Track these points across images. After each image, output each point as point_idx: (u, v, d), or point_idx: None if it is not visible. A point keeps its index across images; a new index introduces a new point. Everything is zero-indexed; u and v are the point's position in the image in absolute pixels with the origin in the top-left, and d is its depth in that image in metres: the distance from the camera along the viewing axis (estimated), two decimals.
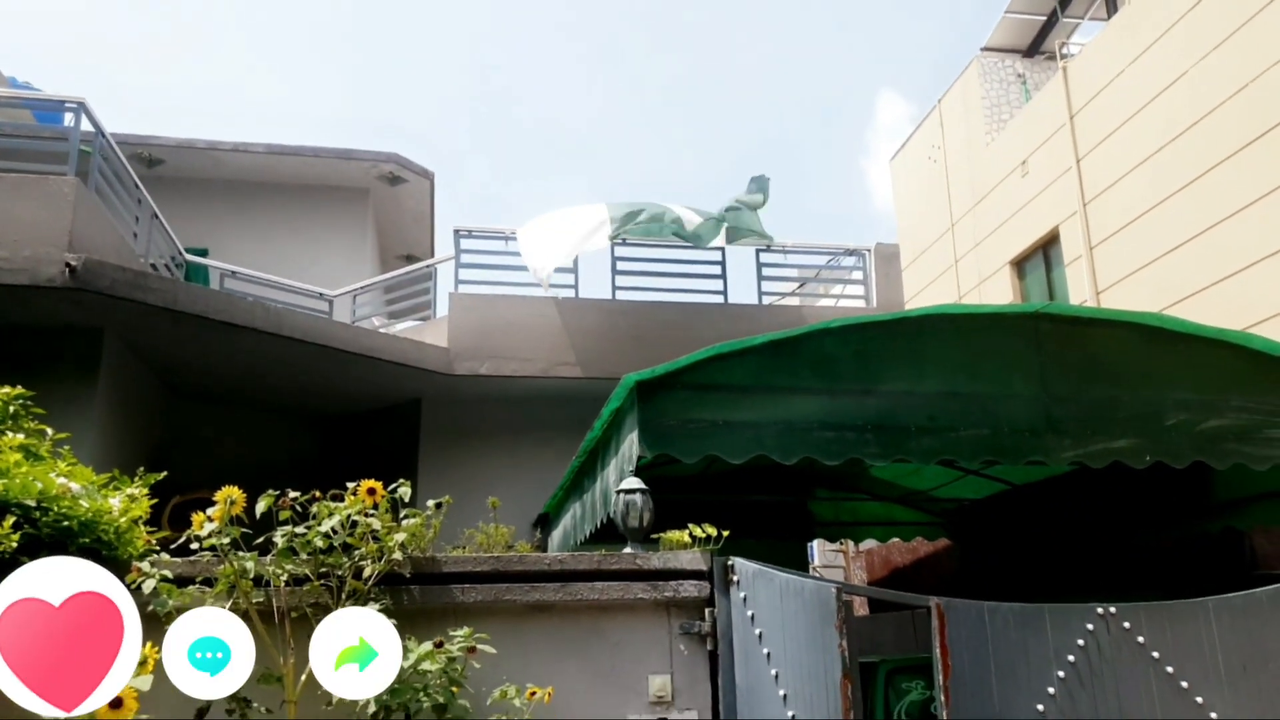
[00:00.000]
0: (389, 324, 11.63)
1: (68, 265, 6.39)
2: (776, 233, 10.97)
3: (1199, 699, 3.90)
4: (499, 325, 9.73)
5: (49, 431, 3.88)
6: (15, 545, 3.12)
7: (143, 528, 3.67)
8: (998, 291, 15.05)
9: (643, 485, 4.34)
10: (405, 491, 3.68)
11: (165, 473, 4.04)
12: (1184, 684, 3.92)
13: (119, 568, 3.51)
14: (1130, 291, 11.76)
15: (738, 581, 3.96)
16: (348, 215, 14.64)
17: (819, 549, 14.68)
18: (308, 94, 51.75)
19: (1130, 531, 7.76)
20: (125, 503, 3.53)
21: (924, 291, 16.75)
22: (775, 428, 4.64)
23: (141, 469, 3.99)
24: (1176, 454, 4.91)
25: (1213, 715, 3.90)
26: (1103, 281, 12.50)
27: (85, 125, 7.35)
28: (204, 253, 11.88)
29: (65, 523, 3.31)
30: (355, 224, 14.67)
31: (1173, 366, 5.06)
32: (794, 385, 4.75)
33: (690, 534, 4.17)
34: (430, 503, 3.75)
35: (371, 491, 3.55)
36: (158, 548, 3.80)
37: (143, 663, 2.95)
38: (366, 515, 3.59)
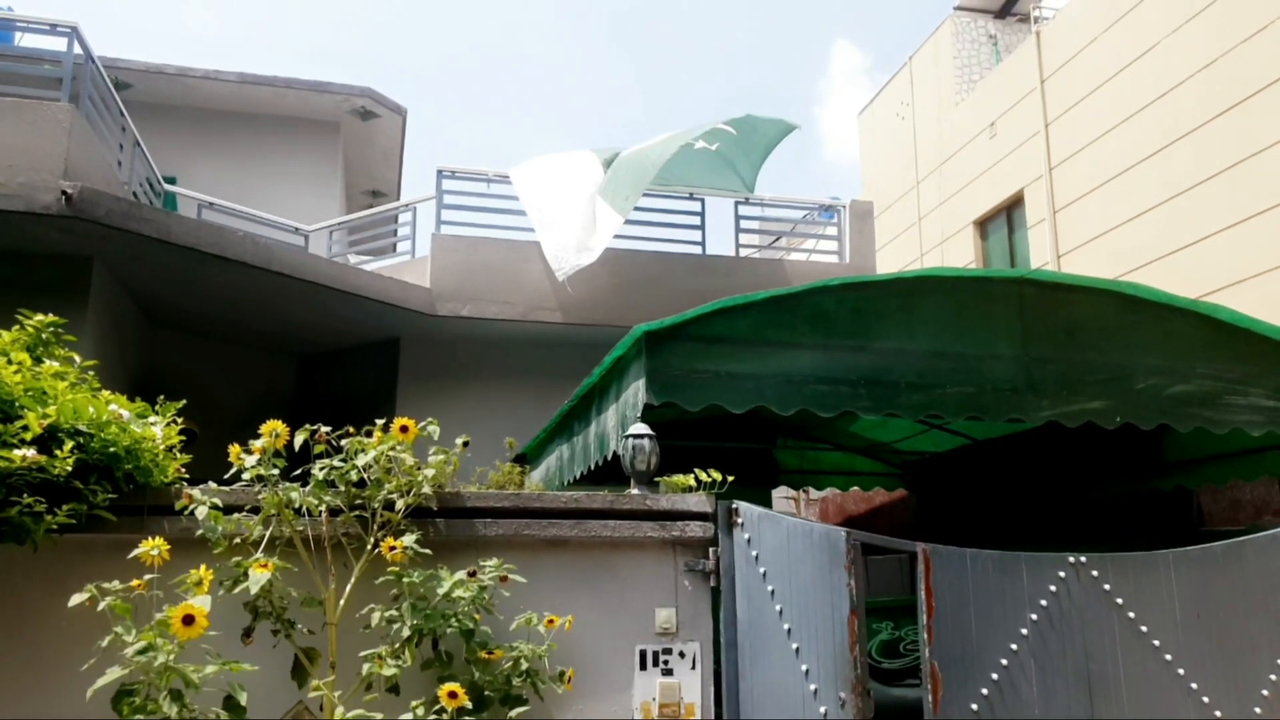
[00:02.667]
0: (365, 262, 11.61)
1: (64, 193, 6.32)
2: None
3: (1156, 642, 4.26)
4: (481, 267, 9.79)
5: (77, 359, 3.95)
6: (70, 469, 3.22)
7: (178, 455, 3.78)
8: (960, 251, 15.45)
9: (650, 430, 4.54)
10: (434, 429, 3.83)
11: (184, 401, 4.12)
12: (1144, 628, 4.26)
13: (159, 494, 3.65)
14: (1091, 256, 12.20)
15: (741, 524, 4.21)
16: (318, 149, 14.43)
17: (773, 497, 15.14)
18: (276, 25, 49.99)
19: (1084, 487, 8.21)
20: (168, 431, 3.64)
21: (886, 247, 17.09)
22: (775, 380, 4.86)
23: (162, 398, 4.07)
24: (1144, 416, 5.25)
25: (1168, 657, 4.27)
26: (1064, 245, 12.93)
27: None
28: (172, 181, 11.67)
29: (112, 448, 3.41)
30: (325, 158, 14.48)
31: (1145, 333, 5.37)
32: (792, 340, 4.95)
33: (695, 478, 4.39)
34: (458, 440, 3.91)
35: (404, 429, 3.70)
36: (188, 476, 3.92)
37: (198, 583, 3.11)
38: (397, 451, 3.74)
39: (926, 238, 16.52)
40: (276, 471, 3.46)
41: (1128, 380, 5.29)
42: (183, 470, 3.88)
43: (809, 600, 3.84)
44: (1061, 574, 4.28)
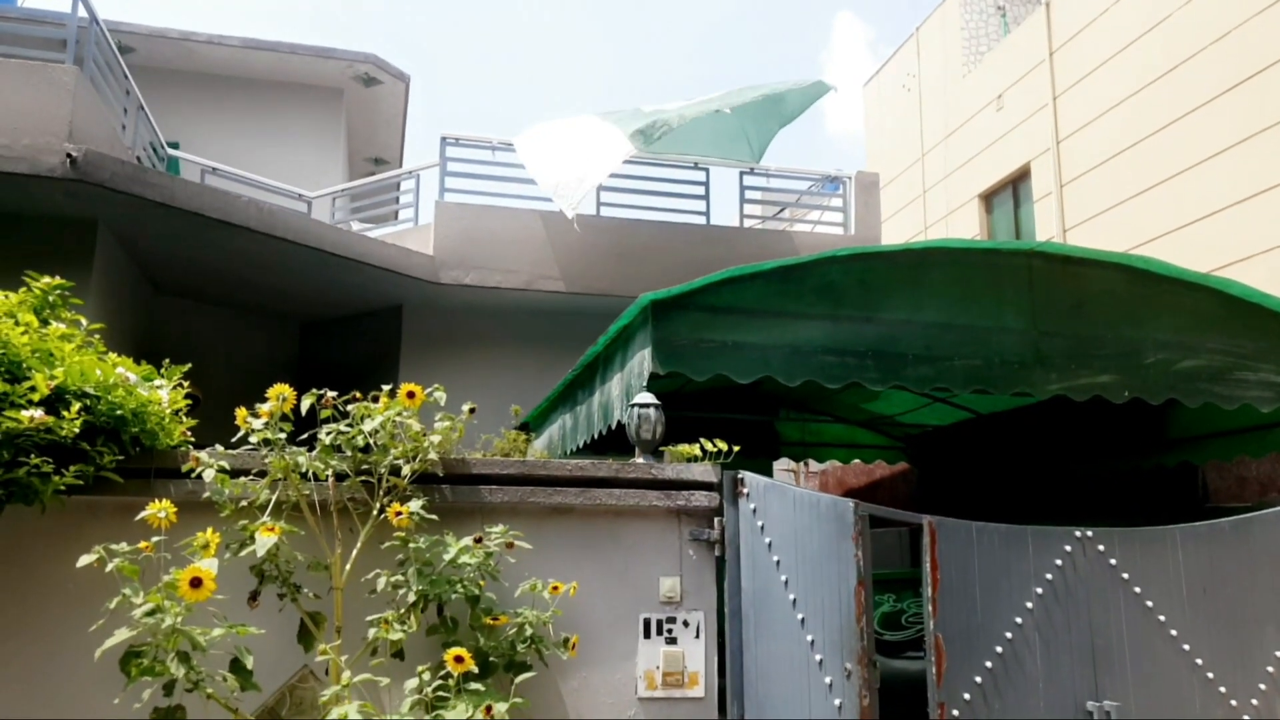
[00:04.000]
0: (368, 229, 11.54)
1: (69, 156, 6.27)
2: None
3: (1162, 617, 4.27)
4: (484, 236, 9.74)
5: (84, 322, 3.92)
6: (77, 430, 3.21)
7: (184, 419, 3.77)
8: (965, 224, 15.37)
9: (655, 400, 4.52)
10: (441, 395, 3.81)
11: (189, 365, 4.10)
12: (1149, 603, 4.27)
13: (165, 457, 3.64)
14: (1098, 230, 12.13)
15: (747, 494, 4.20)
16: (321, 115, 14.32)
17: (774, 469, 15.17)
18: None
19: (1088, 462, 8.21)
20: (174, 394, 3.62)
21: (891, 219, 17.01)
22: (781, 350, 4.83)
23: (167, 361, 4.05)
24: (1153, 391, 5.22)
25: (1173, 632, 4.27)
26: (1071, 219, 12.85)
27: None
28: (175, 146, 11.58)
29: (119, 411, 3.40)
30: (328, 125, 14.37)
31: (1155, 307, 5.32)
32: (800, 310, 4.92)
33: (701, 448, 4.38)
34: (465, 407, 3.89)
35: (411, 395, 3.68)
36: (193, 439, 3.91)
37: (205, 546, 3.11)
38: (403, 417, 3.73)
39: (931, 210, 16.42)
40: (283, 435, 3.44)
41: (1137, 355, 5.25)
42: (188, 434, 3.88)
43: (815, 571, 3.83)
44: (1067, 548, 4.28)
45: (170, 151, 10.17)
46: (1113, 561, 4.29)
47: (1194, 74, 10.86)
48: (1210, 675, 4.26)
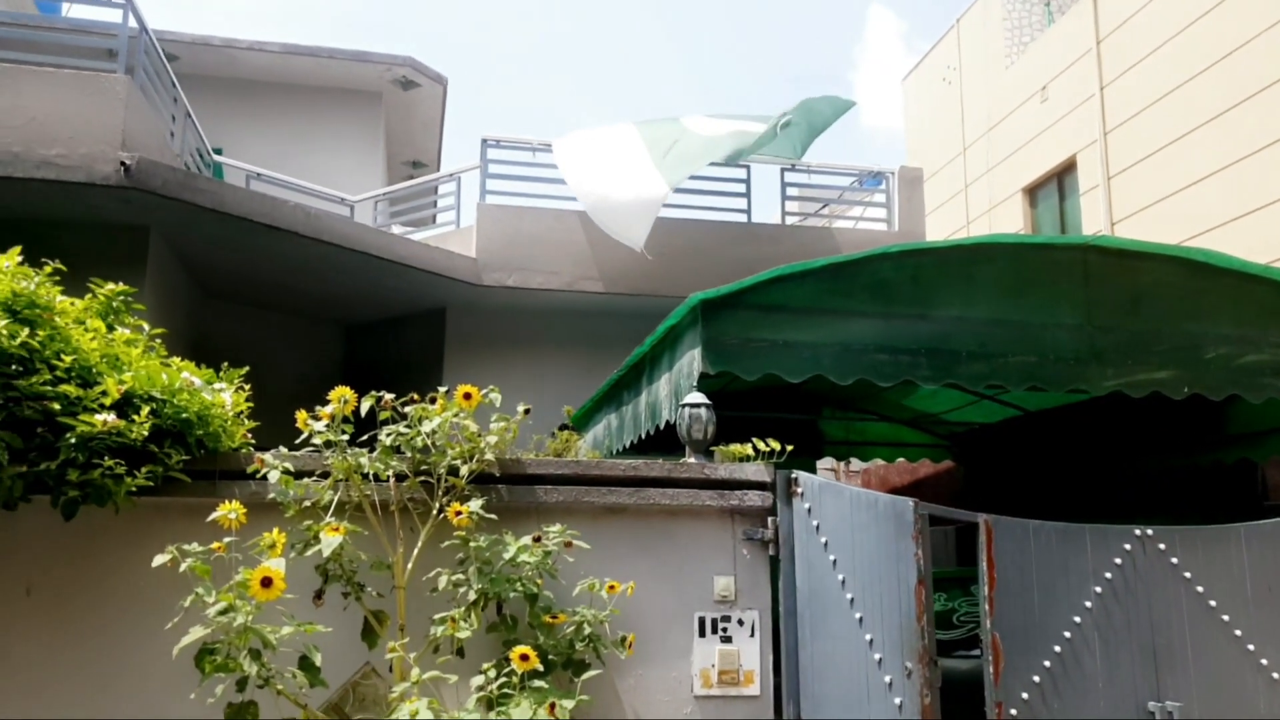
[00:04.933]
0: (409, 232, 11.66)
1: (123, 164, 6.41)
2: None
3: (1225, 617, 4.17)
4: (526, 237, 9.80)
5: (146, 327, 4.00)
6: (146, 433, 3.28)
7: (245, 421, 3.84)
8: (1008, 219, 15.16)
9: (707, 400, 4.52)
10: (497, 397, 3.84)
11: (246, 368, 4.17)
12: (1212, 603, 4.17)
13: (229, 459, 3.71)
14: (1147, 223, 11.90)
15: (801, 493, 4.19)
16: (360, 119, 14.50)
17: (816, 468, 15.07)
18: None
19: (1141, 459, 8.06)
20: (237, 397, 3.69)
21: (932, 215, 16.80)
22: (833, 349, 4.80)
23: (226, 365, 4.13)
24: (1214, 387, 5.11)
25: (1237, 632, 4.18)
26: (1119, 212, 12.63)
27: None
28: (219, 152, 11.79)
29: (184, 414, 3.46)
30: (367, 128, 14.54)
31: (1214, 301, 5.22)
32: (851, 308, 4.89)
33: (754, 447, 4.37)
34: (519, 408, 3.92)
35: (468, 396, 3.71)
36: (254, 441, 3.98)
37: (271, 546, 3.16)
38: (460, 418, 3.76)
39: (973, 205, 16.23)
40: (345, 437, 3.49)
41: (1196, 349, 5.16)
42: (249, 436, 3.94)
43: (873, 570, 3.81)
44: (1127, 546, 4.21)
45: (215, 157, 10.35)
46: (1174, 560, 4.21)
47: (1246, 61, 10.62)
48: (1276, 676, 4.17)
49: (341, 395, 3.48)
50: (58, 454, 3.27)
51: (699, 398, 4.51)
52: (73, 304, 3.73)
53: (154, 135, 7.37)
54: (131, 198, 6.75)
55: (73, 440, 3.24)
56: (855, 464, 13.49)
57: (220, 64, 13.34)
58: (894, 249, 5.00)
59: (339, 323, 10.81)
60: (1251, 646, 4.17)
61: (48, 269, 3.64)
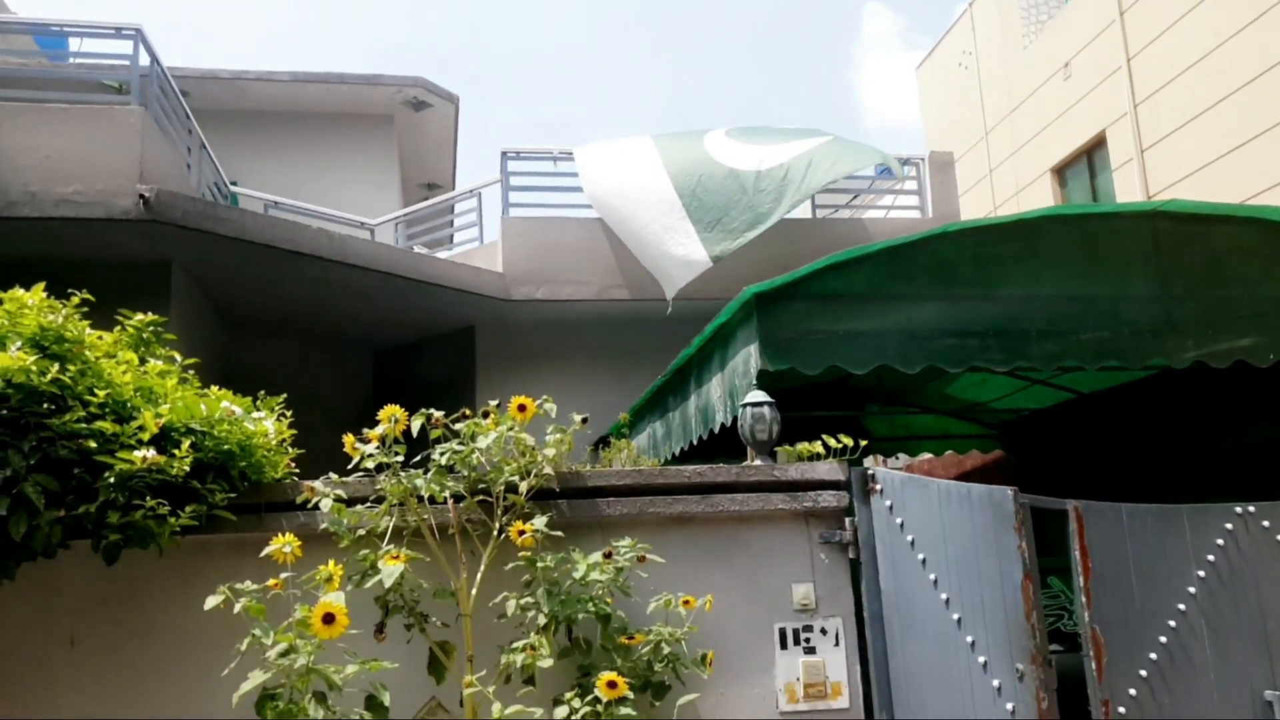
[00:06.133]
0: (432, 252, 11.50)
1: (142, 197, 6.26)
2: None
3: None
4: (551, 248, 9.59)
5: (178, 358, 3.82)
6: (188, 469, 3.08)
7: (289, 450, 3.63)
8: (1037, 200, 14.83)
9: (769, 398, 4.28)
10: (552, 407, 3.62)
11: (284, 395, 3.97)
12: None
13: (274, 490, 3.50)
14: (1186, 193, 11.55)
15: (880, 490, 3.93)
16: (373, 143, 14.37)
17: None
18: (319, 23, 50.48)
19: (1209, 435, 7.72)
20: (279, 426, 3.48)
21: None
22: (897, 336, 4.55)
23: (263, 393, 3.93)
24: None
25: None
26: (1154, 185, 12.28)
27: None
28: (234, 184, 11.68)
29: (226, 446, 3.26)
30: (381, 152, 14.41)
31: None
32: (913, 293, 4.64)
33: (823, 444, 4.12)
34: (578, 417, 3.69)
35: (522, 408, 3.49)
36: (297, 471, 3.77)
37: (328, 579, 2.94)
38: (515, 432, 3.54)
39: (999, 189, 15.90)
40: (399, 459, 3.27)
41: (1278, 314, 4.87)
42: (293, 465, 3.74)
43: (971, 567, 3.54)
44: (1229, 526, 3.94)
45: (233, 188, 10.23)
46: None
47: (1277, 22, 10.28)
48: None
49: (392, 414, 3.26)
50: (96, 495, 3.08)
51: (761, 396, 4.27)
52: (100, 338, 3.55)
53: (171, 167, 7.23)
54: (152, 231, 6.60)
55: (111, 480, 3.05)
56: (895, 460, 13.15)
57: (230, 96, 13.26)
58: (952, 228, 4.75)
59: (367, 347, 10.64)
60: None
61: (75, 299, 3.45)
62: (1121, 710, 3.62)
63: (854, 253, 4.60)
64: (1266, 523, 3.96)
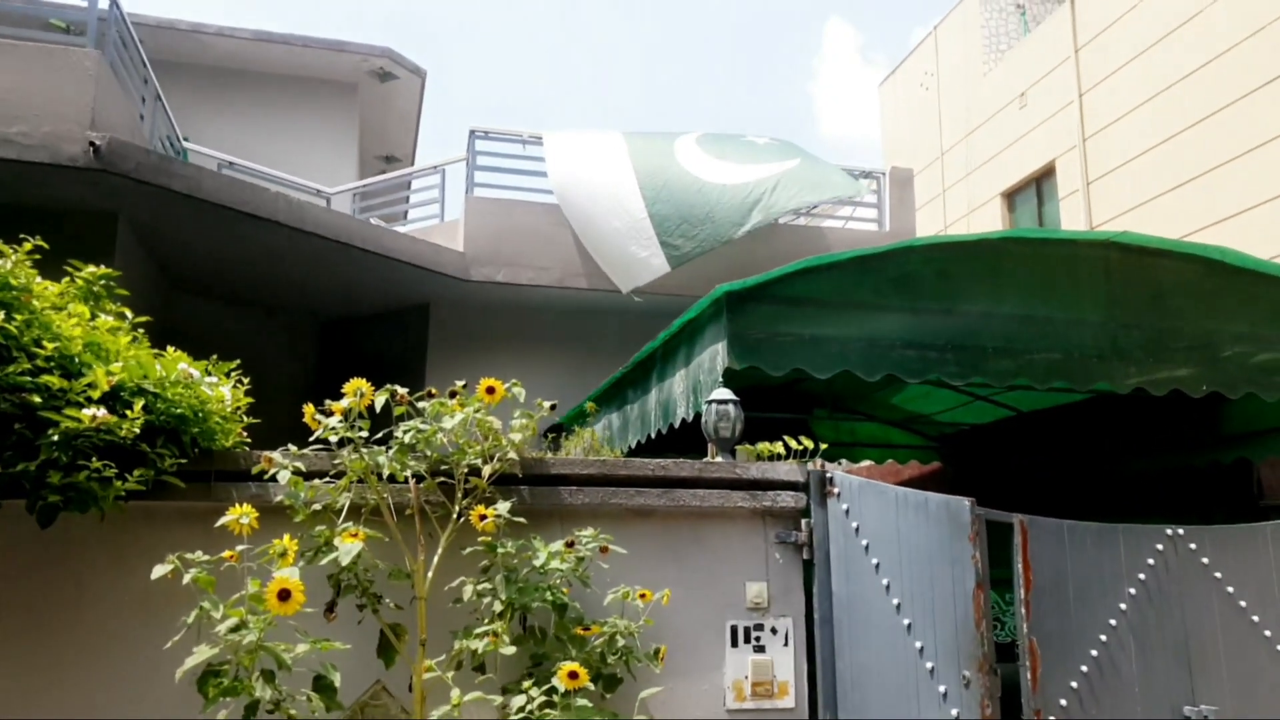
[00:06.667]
0: (389, 226, 11.28)
1: (92, 144, 5.99)
2: None
3: (1255, 617, 4.07)
4: (514, 231, 9.48)
5: (129, 314, 3.67)
6: (138, 431, 2.95)
7: (243, 418, 3.53)
8: (987, 222, 15.17)
9: (734, 396, 4.29)
10: (520, 391, 3.58)
11: (238, 361, 3.85)
12: (1242, 603, 4.06)
13: (226, 459, 3.39)
14: (1125, 228, 11.91)
15: (838, 494, 3.97)
16: (334, 111, 14.02)
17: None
18: None
19: (1138, 460, 7.99)
20: (236, 392, 3.37)
21: None
22: (860, 344, 4.61)
23: (215, 357, 3.80)
24: (1231, 384, 5.03)
25: (1267, 633, 4.07)
26: (1098, 216, 12.66)
27: None
28: (187, 140, 11.31)
29: (179, 409, 3.14)
30: (342, 120, 14.07)
31: (1230, 299, 5.15)
32: (877, 302, 4.71)
33: (785, 445, 4.15)
34: (544, 403, 3.65)
35: (491, 390, 3.44)
36: (249, 439, 3.67)
37: (282, 554, 2.87)
38: (480, 415, 3.49)
39: (951, 209, 16.22)
40: (363, 434, 3.19)
41: (1214, 347, 5.07)
42: (245, 434, 3.63)
43: (924, 574, 3.60)
44: (1159, 546, 4.07)
45: (185, 144, 9.89)
46: (1205, 560, 4.09)
47: (1226, 69, 10.67)
48: None
49: (357, 388, 3.18)
50: (37, 453, 2.93)
51: (726, 393, 4.28)
52: (47, 288, 3.39)
53: (125, 116, 6.94)
54: (101, 181, 6.32)
55: (55, 438, 2.91)
56: (837, 466, 13.33)
57: (188, 49, 12.80)
58: (918, 243, 4.83)
59: (314, 319, 10.38)
60: None
61: (27, 245, 3.29)
62: (1051, 718, 3.71)
63: (824, 259, 4.64)
64: (1193, 545, 4.10)
